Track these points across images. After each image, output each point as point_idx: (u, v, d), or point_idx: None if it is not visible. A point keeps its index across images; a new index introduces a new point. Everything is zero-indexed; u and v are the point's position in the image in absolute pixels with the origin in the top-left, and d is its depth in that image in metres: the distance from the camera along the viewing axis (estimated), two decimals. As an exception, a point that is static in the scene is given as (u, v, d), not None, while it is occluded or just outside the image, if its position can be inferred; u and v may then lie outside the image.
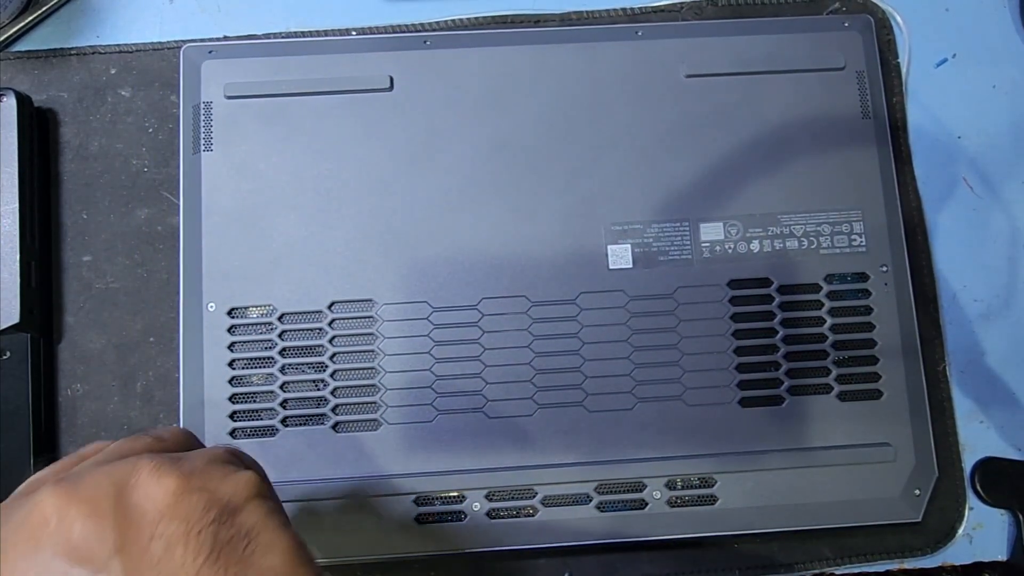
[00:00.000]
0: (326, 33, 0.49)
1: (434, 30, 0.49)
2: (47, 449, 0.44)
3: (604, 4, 0.50)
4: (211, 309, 0.43)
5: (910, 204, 0.48)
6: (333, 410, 0.43)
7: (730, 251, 0.45)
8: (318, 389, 0.43)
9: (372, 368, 0.43)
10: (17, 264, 0.43)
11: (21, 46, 0.49)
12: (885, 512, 0.43)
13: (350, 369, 0.43)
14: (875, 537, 0.44)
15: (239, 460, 0.32)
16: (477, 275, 0.44)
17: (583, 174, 0.46)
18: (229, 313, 0.43)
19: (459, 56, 0.47)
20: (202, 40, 0.48)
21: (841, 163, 0.46)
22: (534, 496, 0.42)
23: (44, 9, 0.49)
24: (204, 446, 0.34)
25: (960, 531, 0.45)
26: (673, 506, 0.43)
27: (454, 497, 0.42)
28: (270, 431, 0.43)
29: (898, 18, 0.50)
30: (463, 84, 0.46)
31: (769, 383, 0.44)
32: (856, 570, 0.45)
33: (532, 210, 0.45)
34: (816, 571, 0.44)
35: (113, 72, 0.49)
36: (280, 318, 0.44)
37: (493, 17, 0.50)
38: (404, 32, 0.49)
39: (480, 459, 0.43)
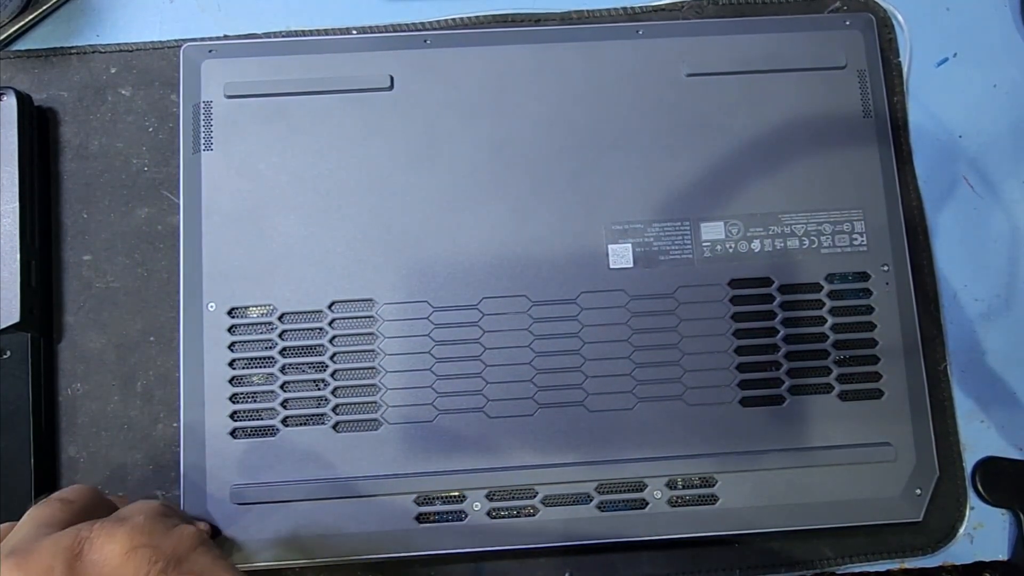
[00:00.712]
0: (326, 32, 0.49)
1: (434, 29, 0.49)
2: (47, 449, 0.44)
3: (605, 3, 0.50)
4: (211, 309, 0.43)
5: (911, 203, 0.48)
6: (333, 410, 0.43)
7: (731, 250, 0.45)
8: (318, 389, 0.43)
9: (372, 368, 0.43)
10: (17, 263, 0.43)
11: (21, 45, 0.49)
12: (886, 512, 0.43)
13: (350, 369, 0.43)
14: (876, 537, 0.44)
15: (176, 513, 0.34)
16: (477, 275, 0.44)
17: (583, 173, 0.45)
18: (229, 313, 0.43)
19: (459, 55, 0.47)
20: (202, 39, 0.48)
21: (842, 162, 0.46)
22: (534, 496, 0.42)
23: (44, 8, 0.49)
24: (109, 501, 0.36)
25: (961, 531, 0.45)
26: (674, 506, 0.43)
27: (454, 497, 0.42)
28: (270, 431, 0.43)
29: (899, 17, 0.50)
30: (463, 83, 0.46)
31: (770, 383, 0.44)
32: (856, 570, 0.45)
33: (532, 210, 0.45)
34: (816, 571, 0.44)
35: (113, 71, 0.49)
36: (280, 318, 0.44)
37: (493, 16, 0.50)
38: (404, 31, 0.49)
39: (480, 459, 0.43)
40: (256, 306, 0.44)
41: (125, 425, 0.45)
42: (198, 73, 0.46)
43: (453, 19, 0.50)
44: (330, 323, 0.44)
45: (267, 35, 0.49)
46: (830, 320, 0.45)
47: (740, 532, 0.43)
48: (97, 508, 0.34)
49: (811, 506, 0.43)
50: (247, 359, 0.43)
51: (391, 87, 0.46)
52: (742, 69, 0.47)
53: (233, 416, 0.43)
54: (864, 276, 0.45)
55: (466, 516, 0.42)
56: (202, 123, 0.45)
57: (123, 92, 0.48)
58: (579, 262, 0.44)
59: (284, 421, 0.43)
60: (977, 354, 0.48)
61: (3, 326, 0.43)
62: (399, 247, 0.44)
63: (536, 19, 0.50)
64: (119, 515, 0.32)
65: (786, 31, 0.48)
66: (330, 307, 0.44)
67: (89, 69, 0.49)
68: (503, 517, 0.42)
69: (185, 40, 0.48)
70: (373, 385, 0.43)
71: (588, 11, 0.50)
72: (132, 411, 0.45)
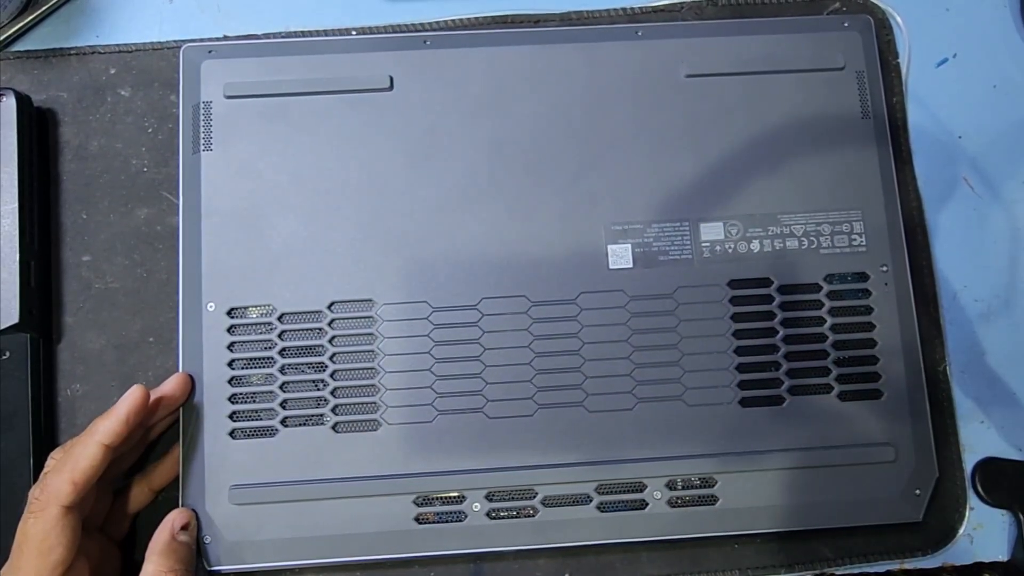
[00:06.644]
0: (326, 33, 0.49)
1: (434, 30, 0.49)
2: (47, 450, 0.44)
3: (604, 4, 0.50)
4: (211, 309, 0.43)
5: (910, 204, 0.48)
6: (333, 410, 0.43)
7: (730, 251, 0.45)
8: (318, 389, 0.43)
9: (372, 368, 0.43)
10: (16, 264, 0.43)
11: (21, 46, 0.49)
12: (885, 512, 0.43)
13: (350, 369, 0.43)
14: (875, 537, 0.44)
15: None
16: (477, 275, 0.44)
17: (583, 174, 0.45)
18: (229, 313, 0.43)
19: (459, 56, 0.47)
20: (202, 40, 0.48)
21: (841, 163, 0.46)
22: (534, 496, 0.42)
23: (44, 9, 0.49)
24: None
25: (960, 531, 0.45)
26: (673, 506, 0.43)
27: (454, 497, 0.42)
28: (270, 431, 0.43)
29: (898, 18, 0.50)
30: (463, 84, 0.46)
31: (769, 383, 0.44)
32: (856, 570, 0.44)
33: (532, 210, 0.45)
34: (816, 571, 0.44)
35: (113, 72, 0.49)
36: (280, 318, 0.44)
37: (493, 17, 0.50)
38: (404, 32, 0.49)
39: (480, 459, 0.43)
40: (255, 306, 0.44)
41: (124, 425, 0.45)
42: (198, 73, 0.46)
43: (453, 20, 0.50)
44: (329, 323, 0.44)
45: (267, 35, 0.49)
46: (829, 320, 0.45)
47: (740, 532, 0.43)
48: None
49: (811, 506, 0.43)
50: (246, 359, 0.43)
51: (391, 87, 0.46)
52: (741, 70, 0.47)
53: (232, 416, 0.43)
54: (863, 276, 0.45)
55: (466, 516, 0.42)
56: (201, 123, 0.45)
57: (122, 93, 0.48)
58: (578, 262, 0.44)
59: (283, 421, 0.43)
60: (977, 354, 0.48)
61: (2, 327, 0.43)
62: (399, 247, 0.44)
63: (536, 20, 0.50)
64: None
65: (785, 32, 0.48)
66: (329, 307, 0.44)
67: (88, 70, 0.49)
68: (503, 517, 0.42)
69: (185, 41, 0.48)
70: (372, 385, 0.43)
71: (587, 12, 0.50)
72: (131, 411, 0.45)
